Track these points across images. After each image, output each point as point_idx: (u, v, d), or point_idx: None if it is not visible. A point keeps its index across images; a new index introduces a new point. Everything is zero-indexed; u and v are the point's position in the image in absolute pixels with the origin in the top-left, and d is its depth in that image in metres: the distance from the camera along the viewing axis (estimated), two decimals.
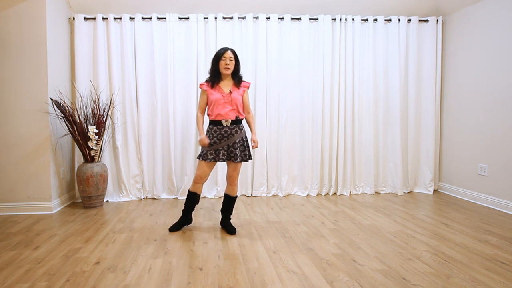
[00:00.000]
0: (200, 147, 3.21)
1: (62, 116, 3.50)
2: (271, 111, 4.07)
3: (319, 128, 4.10)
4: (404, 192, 4.23)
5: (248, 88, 2.85)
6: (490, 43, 3.59)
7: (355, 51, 4.10)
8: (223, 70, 2.73)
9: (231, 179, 2.82)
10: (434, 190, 4.33)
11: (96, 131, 3.53)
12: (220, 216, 3.08)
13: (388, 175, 4.24)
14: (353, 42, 4.10)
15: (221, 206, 3.00)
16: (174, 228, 2.88)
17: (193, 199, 2.85)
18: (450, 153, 4.17)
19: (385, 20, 4.12)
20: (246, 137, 2.81)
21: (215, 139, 2.72)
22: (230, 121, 2.72)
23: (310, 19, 4.07)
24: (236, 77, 2.79)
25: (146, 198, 4.04)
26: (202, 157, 2.72)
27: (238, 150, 2.71)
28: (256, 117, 4.03)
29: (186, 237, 2.74)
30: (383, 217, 3.25)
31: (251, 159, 2.86)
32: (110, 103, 3.84)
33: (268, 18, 4.02)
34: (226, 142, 2.71)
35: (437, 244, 2.56)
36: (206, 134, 2.78)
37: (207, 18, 3.96)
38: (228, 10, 4.02)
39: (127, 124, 3.94)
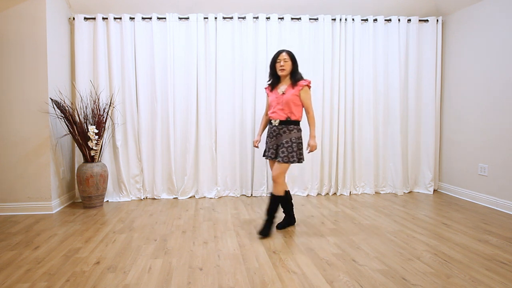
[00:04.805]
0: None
1: (62, 116, 3.50)
2: None
3: (319, 128, 4.10)
4: (404, 192, 4.23)
5: (304, 86, 2.74)
6: (490, 43, 3.59)
7: (355, 51, 4.10)
8: (279, 72, 2.80)
9: (273, 177, 2.77)
10: (434, 190, 4.33)
11: (96, 131, 3.53)
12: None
13: (388, 175, 4.24)
14: (353, 42, 4.10)
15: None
16: (279, 227, 2.92)
17: (286, 199, 2.92)
18: (450, 153, 4.16)
19: (385, 20, 4.12)
20: (297, 138, 2.74)
21: (270, 137, 2.86)
22: (278, 121, 2.78)
23: (310, 19, 4.07)
24: (293, 78, 2.79)
25: (146, 198, 4.04)
26: (263, 154, 2.97)
27: (281, 150, 2.73)
28: (256, 117, 4.03)
29: (186, 237, 2.74)
30: (383, 217, 3.25)
31: (299, 162, 2.76)
32: (110, 103, 3.84)
33: (268, 18, 4.02)
34: (275, 142, 2.81)
35: (437, 244, 2.56)
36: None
37: (207, 18, 3.96)
38: (228, 10, 4.02)
39: (127, 124, 3.94)
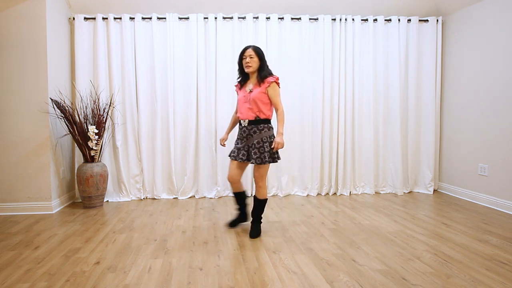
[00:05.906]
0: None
1: (62, 116, 3.50)
2: None
3: (319, 128, 4.10)
4: (404, 192, 4.23)
5: (271, 83, 2.62)
6: (489, 43, 3.59)
7: (355, 51, 4.10)
8: (245, 69, 2.69)
9: (254, 180, 2.72)
10: (434, 190, 4.33)
11: (96, 131, 3.53)
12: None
13: (388, 175, 4.23)
14: (353, 42, 4.10)
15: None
16: (232, 224, 2.98)
17: (237, 198, 2.90)
18: (450, 153, 4.17)
19: (385, 20, 4.12)
20: (268, 138, 2.64)
21: (240, 139, 2.75)
22: (247, 121, 2.67)
23: (310, 19, 4.07)
24: (259, 75, 2.66)
25: (146, 198, 4.04)
26: (229, 154, 2.86)
27: (253, 151, 2.64)
28: None
29: (186, 237, 2.74)
30: (383, 217, 3.25)
31: (273, 161, 2.65)
32: (110, 103, 3.84)
33: (268, 18, 4.02)
34: (246, 143, 2.71)
35: (437, 244, 2.56)
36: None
37: (207, 18, 3.96)
38: (228, 10, 4.02)
39: (127, 124, 3.94)
